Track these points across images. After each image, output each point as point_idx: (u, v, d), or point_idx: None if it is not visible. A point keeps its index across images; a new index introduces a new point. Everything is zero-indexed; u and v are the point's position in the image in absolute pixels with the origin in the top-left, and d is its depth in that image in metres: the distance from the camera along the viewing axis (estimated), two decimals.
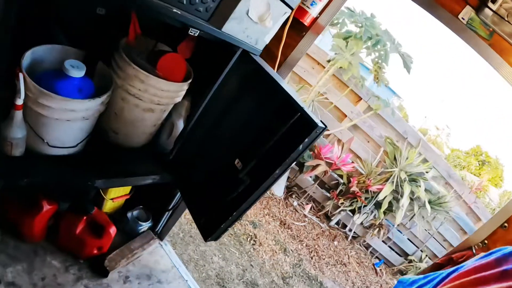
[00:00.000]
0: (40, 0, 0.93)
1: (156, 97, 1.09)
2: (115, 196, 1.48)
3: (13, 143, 0.87)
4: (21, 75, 0.78)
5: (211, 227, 1.07)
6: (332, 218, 3.92)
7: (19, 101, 0.81)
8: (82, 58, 1.01)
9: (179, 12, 0.83)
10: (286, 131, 0.93)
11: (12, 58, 0.79)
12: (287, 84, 1.05)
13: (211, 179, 1.15)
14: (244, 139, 1.05)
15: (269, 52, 1.18)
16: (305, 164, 3.57)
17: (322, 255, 3.35)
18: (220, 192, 1.08)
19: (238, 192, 1.01)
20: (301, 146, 0.89)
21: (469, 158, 11.95)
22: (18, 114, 0.84)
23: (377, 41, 3.16)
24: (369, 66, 3.50)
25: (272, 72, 1.04)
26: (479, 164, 11.88)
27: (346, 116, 3.79)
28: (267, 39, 1.08)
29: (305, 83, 3.72)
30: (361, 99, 3.75)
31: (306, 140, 0.88)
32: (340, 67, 3.18)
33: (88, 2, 1.01)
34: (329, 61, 3.44)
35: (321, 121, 0.88)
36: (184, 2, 0.83)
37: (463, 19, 1.12)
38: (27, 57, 0.89)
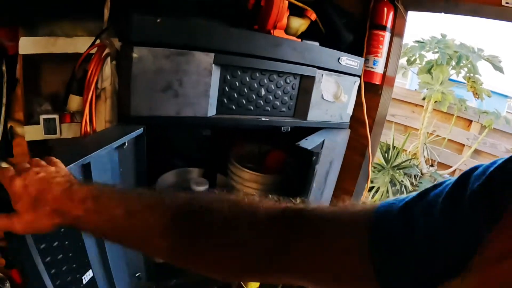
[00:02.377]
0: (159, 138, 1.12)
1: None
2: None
3: None
4: None
5: None
6: None
7: None
8: (202, 174, 1.24)
9: (268, 119, 0.98)
10: None
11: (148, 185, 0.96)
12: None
13: None
14: None
15: (357, 120, 1.25)
16: None
17: None
18: None
19: None
20: None
21: None
22: None
23: (458, 58, 2.99)
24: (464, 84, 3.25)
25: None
26: None
27: (463, 145, 3.43)
28: (350, 111, 1.16)
29: (412, 129, 3.58)
30: (471, 121, 3.41)
31: None
32: (436, 101, 3.01)
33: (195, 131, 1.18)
34: (424, 98, 3.31)
35: None
36: (269, 109, 0.99)
37: (507, 3, 1.04)
38: (159, 183, 1.12)
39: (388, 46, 1.21)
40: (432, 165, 3.39)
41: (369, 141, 1.26)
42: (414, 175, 3.27)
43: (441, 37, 3.08)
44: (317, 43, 1.01)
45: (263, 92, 0.96)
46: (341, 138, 1.18)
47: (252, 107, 0.96)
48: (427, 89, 3.01)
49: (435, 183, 0.37)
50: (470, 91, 3.18)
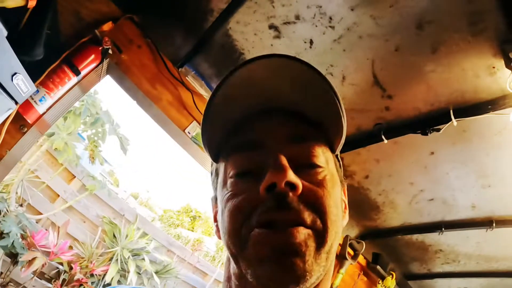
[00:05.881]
0: None
1: None
2: None
3: None
4: None
5: None
6: None
7: None
8: None
9: None
10: None
11: None
12: None
13: None
14: None
15: None
16: (18, 258, 2.78)
17: None
18: None
19: None
20: None
21: (181, 216, 13.41)
22: None
23: (96, 120, 3.11)
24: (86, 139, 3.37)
25: None
26: (191, 220, 13.53)
27: (59, 196, 3.35)
28: None
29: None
30: (75, 177, 3.47)
31: None
32: (56, 149, 2.84)
33: None
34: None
35: None
36: None
37: (189, 133, 1.31)
38: None
39: (67, 90, 1.05)
40: (21, 205, 3.01)
41: None
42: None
43: (92, 93, 3.14)
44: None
45: None
46: None
47: None
48: (54, 132, 2.82)
49: None
50: (88, 151, 3.31)
